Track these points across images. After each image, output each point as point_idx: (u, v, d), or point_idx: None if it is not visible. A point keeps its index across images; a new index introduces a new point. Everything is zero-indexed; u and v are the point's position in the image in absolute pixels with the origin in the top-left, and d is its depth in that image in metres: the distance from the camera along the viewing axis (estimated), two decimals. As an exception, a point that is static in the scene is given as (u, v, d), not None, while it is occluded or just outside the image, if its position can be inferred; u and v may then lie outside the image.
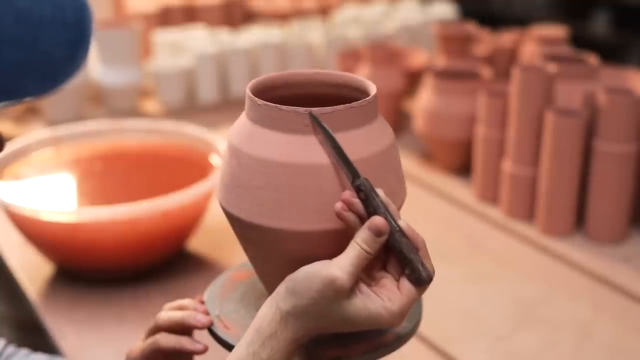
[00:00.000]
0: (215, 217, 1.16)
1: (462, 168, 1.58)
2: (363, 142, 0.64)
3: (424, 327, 0.76)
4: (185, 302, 0.75)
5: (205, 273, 1.18)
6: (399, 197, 0.68)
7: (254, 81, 0.69)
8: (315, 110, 0.63)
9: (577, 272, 1.24)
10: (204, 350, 0.73)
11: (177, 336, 0.73)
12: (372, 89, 0.67)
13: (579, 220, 1.35)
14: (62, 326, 1.07)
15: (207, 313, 0.73)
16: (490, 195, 1.47)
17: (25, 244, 1.20)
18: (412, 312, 0.71)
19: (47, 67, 0.48)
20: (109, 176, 1.30)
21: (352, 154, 0.63)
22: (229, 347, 0.68)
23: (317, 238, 0.64)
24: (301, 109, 0.63)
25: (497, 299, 1.18)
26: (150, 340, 0.73)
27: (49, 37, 0.47)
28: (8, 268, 1.25)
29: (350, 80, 0.70)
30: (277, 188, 0.63)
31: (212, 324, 0.71)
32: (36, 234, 1.14)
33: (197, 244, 1.25)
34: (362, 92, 0.68)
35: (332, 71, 0.72)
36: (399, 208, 0.68)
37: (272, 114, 0.64)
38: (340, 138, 0.63)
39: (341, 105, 0.64)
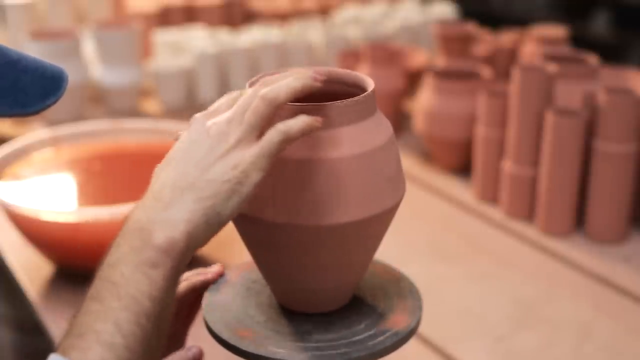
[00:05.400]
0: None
1: (462, 168, 1.58)
2: (363, 137, 0.65)
3: (424, 327, 0.76)
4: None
5: (205, 273, 1.18)
6: (399, 190, 0.68)
7: (253, 79, 0.69)
8: (313, 105, 0.63)
9: (577, 272, 1.24)
10: (217, 273, 0.73)
11: (187, 280, 0.73)
12: (370, 85, 0.68)
13: (579, 220, 1.35)
14: (62, 326, 1.07)
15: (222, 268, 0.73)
16: (490, 195, 1.47)
17: (25, 244, 1.20)
18: (412, 311, 0.71)
19: (21, 99, 0.63)
20: (109, 176, 1.30)
21: (353, 149, 0.64)
22: (230, 347, 0.68)
23: (318, 233, 0.64)
24: (297, 105, 0.63)
25: (497, 298, 1.18)
26: None
27: (28, 80, 0.63)
28: (8, 268, 1.25)
29: (348, 77, 0.71)
30: (275, 183, 0.64)
31: (224, 273, 0.73)
32: (36, 234, 1.14)
33: (197, 244, 1.25)
34: (360, 88, 0.69)
35: (330, 67, 0.72)
36: (399, 201, 0.68)
37: None
38: (340, 133, 0.64)
39: (340, 101, 0.64)
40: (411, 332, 0.69)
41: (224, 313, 0.71)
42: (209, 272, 0.74)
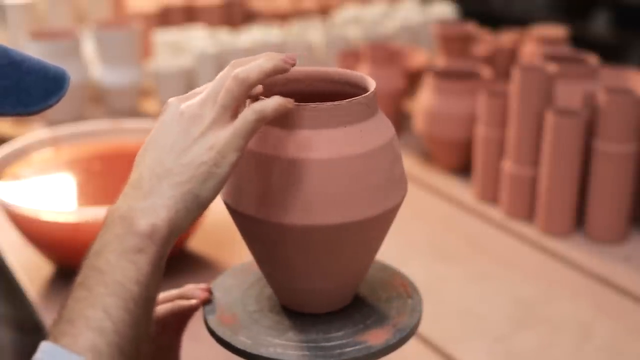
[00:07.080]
0: (215, 216, 1.16)
1: (462, 168, 1.58)
2: (365, 136, 0.65)
3: (424, 327, 0.76)
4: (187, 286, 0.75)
5: (205, 272, 1.18)
6: (402, 189, 0.68)
7: None
8: (316, 105, 0.63)
9: (577, 272, 1.24)
10: (203, 300, 0.72)
11: (173, 301, 0.72)
12: (372, 85, 0.68)
13: (579, 220, 1.35)
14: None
15: (209, 292, 0.72)
16: (490, 195, 1.47)
17: (25, 244, 1.20)
18: (412, 311, 0.71)
19: (24, 99, 0.63)
20: (109, 176, 1.30)
21: (356, 148, 0.64)
22: (228, 345, 0.68)
23: (319, 233, 0.64)
24: (301, 105, 0.63)
25: (497, 298, 1.18)
26: None
27: (31, 81, 0.64)
28: (8, 268, 1.25)
29: (350, 77, 0.71)
30: (267, 182, 0.64)
31: (210, 298, 0.72)
32: (36, 234, 1.14)
33: (196, 243, 1.25)
34: (361, 88, 0.69)
35: (331, 68, 0.72)
36: (399, 202, 0.68)
37: None
38: (343, 133, 0.64)
39: (343, 101, 0.64)
40: (411, 332, 0.69)
41: (224, 295, 0.72)
42: (195, 296, 0.72)
